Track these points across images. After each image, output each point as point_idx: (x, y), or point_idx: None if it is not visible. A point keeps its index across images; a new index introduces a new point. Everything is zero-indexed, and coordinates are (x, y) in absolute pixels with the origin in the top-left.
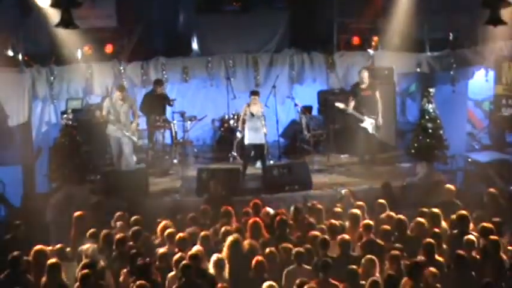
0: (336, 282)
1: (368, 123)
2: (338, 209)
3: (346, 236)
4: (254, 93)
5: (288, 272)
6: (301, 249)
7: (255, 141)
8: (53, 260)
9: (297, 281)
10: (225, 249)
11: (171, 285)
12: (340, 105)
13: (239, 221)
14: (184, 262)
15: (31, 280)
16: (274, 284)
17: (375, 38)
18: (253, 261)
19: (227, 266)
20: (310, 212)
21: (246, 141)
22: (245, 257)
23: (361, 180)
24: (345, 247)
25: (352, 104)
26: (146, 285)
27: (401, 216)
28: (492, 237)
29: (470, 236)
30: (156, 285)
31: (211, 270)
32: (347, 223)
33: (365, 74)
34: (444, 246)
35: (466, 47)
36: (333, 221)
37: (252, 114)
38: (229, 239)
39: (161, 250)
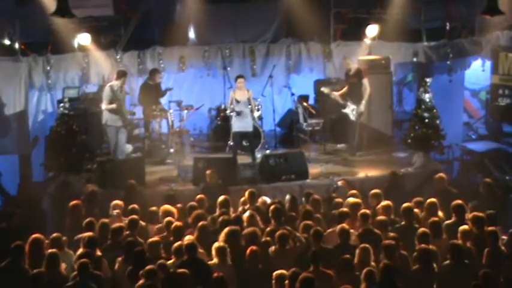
0: (329, 271)
1: (349, 110)
2: (336, 199)
3: (345, 226)
4: (239, 76)
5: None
6: (284, 231)
7: (241, 129)
8: (52, 250)
9: (290, 272)
10: (222, 239)
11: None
12: (325, 89)
13: (236, 210)
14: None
15: (28, 270)
16: (284, 271)
17: (372, 28)
18: (248, 251)
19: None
20: (307, 201)
21: (233, 129)
22: (243, 246)
23: (357, 170)
24: (344, 236)
25: (343, 90)
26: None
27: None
28: (490, 228)
29: (466, 226)
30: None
31: (214, 258)
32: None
33: (346, 62)
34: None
35: (463, 37)
36: (332, 209)
37: (237, 101)
38: (227, 228)
39: (152, 239)
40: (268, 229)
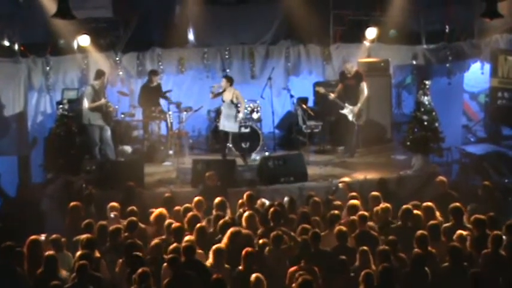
0: (315, 268)
1: (348, 111)
2: (336, 201)
3: (343, 228)
4: (223, 77)
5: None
6: (279, 232)
7: (224, 128)
8: (50, 252)
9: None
10: (224, 240)
11: (166, 276)
12: (321, 89)
13: (234, 212)
14: (171, 255)
15: (21, 272)
16: (260, 275)
17: (371, 30)
18: (243, 253)
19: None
20: (307, 203)
21: (219, 127)
22: (242, 247)
23: (356, 172)
24: (341, 238)
25: (337, 89)
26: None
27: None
28: (495, 232)
29: (461, 231)
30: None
31: (210, 260)
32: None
33: (348, 65)
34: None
35: (462, 39)
36: (330, 212)
37: (223, 101)
38: (230, 230)
39: (154, 241)
40: (264, 230)
